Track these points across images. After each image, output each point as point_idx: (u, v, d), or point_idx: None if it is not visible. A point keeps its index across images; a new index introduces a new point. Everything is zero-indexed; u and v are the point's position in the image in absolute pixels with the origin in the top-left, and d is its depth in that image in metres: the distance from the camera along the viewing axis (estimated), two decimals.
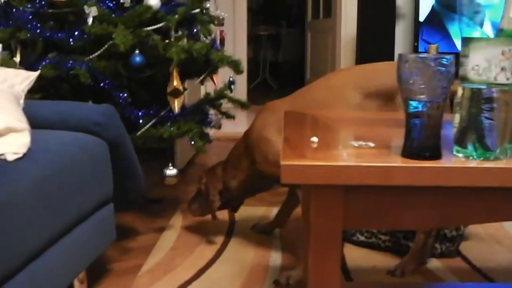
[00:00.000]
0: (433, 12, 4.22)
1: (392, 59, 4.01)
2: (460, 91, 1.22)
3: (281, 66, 9.74)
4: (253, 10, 8.98)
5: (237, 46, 6.24)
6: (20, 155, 1.57)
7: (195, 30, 2.63)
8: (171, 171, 2.45)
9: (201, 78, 2.70)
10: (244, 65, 3.57)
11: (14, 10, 2.30)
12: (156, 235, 2.66)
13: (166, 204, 3.08)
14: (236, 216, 2.89)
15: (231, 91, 2.74)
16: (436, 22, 4.24)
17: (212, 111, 2.80)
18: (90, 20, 2.20)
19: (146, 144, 2.42)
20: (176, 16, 2.43)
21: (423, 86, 1.16)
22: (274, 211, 2.93)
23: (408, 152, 1.20)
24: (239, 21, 6.32)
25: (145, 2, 2.32)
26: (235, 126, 4.18)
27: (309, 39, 6.83)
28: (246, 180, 2.41)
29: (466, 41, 1.23)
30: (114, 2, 2.37)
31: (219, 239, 2.60)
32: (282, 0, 9.84)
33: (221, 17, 2.74)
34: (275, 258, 2.41)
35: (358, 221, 1.22)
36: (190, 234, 2.67)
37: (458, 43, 4.24)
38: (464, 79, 1.23)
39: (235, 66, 2.52)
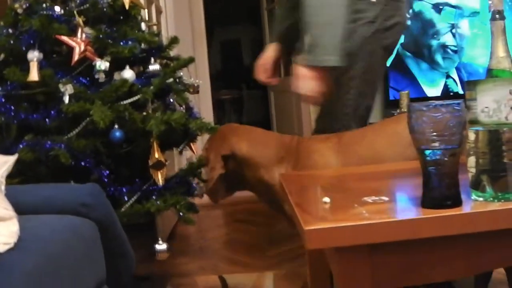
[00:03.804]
0: (397, 57, 4.27)
1: None
2: (472, 135, 1.20)
3: None
4: (212, 75, 9.03)
5: (203, 112, 6.20)
6: (12, 245, 1.47)
7: (170, 100, 2.59)
8: (161, 246, 2.35)
9: (180, 147, 2.65)
10: None
11: None
12: None
13: (155, 281, 2.97)
14: (230, 285, 2.79)
15: None
16: (402, 67, 4.29)
17: (195, 180, 2.73)
18: (66, 99, 2.14)
19: (131, 220, 2.33)
20: (152, 87, 2.38)
21: (438, 134, 1.12)
22: (267, 277, 2.85)
23: (429, 202, 1.16)
24: (203, 87, 6.29)
25: (120, 76, 2.27)
26: None
27: (272, 98, 6.84)
28: (258, 162, 2.18)
29: (471, 84, 1.21)
30: (88, 78, 2.31)
31: None
32: (240, 64, 9.95)
33: (195, 84, 2.70)
34: None
35: (387, 280, 1.16)
36: None
37: (425, 87, 4.28)
38: (474, 122, 1.20)
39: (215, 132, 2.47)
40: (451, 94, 4.27)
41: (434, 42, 4.25)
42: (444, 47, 4.24)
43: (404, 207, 1.21)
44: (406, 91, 3.76)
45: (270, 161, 2.15)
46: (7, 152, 2.11)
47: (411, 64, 4.30)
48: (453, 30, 4.23)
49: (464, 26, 4.22)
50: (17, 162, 1.96)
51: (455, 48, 4.23)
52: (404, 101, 3.82)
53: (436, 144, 1.13)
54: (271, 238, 3.68)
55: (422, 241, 1.13)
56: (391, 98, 4.27)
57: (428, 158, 1.15)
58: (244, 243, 3.64)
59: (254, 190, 2.28)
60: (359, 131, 2.18)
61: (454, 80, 4.28)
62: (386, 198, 1.27)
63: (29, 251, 1.51)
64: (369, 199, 1.27)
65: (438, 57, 4.25)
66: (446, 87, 4.30)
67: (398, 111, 3.97)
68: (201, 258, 3.36)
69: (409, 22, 4.25)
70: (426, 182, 1.17)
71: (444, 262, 1.18)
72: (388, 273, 1.16)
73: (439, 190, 1.15)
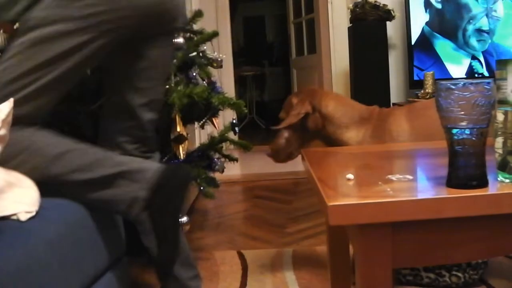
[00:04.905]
0: (423, 36, 4.22)
1: (388, 90, 4.00)
2: (500, 115, 1.17)
3: (267, 105, 9.74)
4: (235, 51, 9.01)
5: (225, 88, 6.18)
6: (33, 214, 1.48)
7: (193, 73, 2.58)
8: (181, 218, 2.35)
9: (202, 122, 2.64)
10: None
11: None
12: None
13: None
14: (248, 260, 2.80)
15: (235, 133, 2.67)
16: (427, 47, 4.24)
17: (216, 155, 2.73)
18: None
19: None
20: (175, 60, 2.37)
21: (466, 113, 1.10)
22: (285, 253, 2.85)
23: (454, 182, 1.14)
24: (225, 62, 6.27)
25: None
26: (237, 168, 4.08)
27: (294, 76, 6.81)
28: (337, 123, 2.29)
29: (502, 63, 1.18)
30: None
31: (234, 286, 2.50)
32: (263, 40, 9.90)
33: (219, 59, 2.68)
34: None
35: (407, 258, 1.15)
36: (205, 284, 2.56)
37: (450, 67, 4.22)
38: (504, 102, 1.17)
39: (238, 108, 2.46)
40: (476, 75, 4.21)
41: (469, 27, 4.18)
42: (479, 31, 4.18)
43: (428, 186, 1.19)
44: (431, 72, 3.72)
45: (351, 121, 2.25)
46: None
47: (437, 44, 4.24)
48: (487, 13, 4.16)
49: (499, 8, 4.15)
50: None
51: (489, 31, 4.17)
52: (429, 82, 3.77)
53: (464, 123, 1.11)
54: (291, 215, 3.69)
55: (445, 221, 1.11)
56: (415, 78, 4.23)
57: (455, 137, 1.13)
58: (263, 219, 3.64)
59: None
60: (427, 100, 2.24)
61: (480, 62, 4.22)
62: (410, 177, 1.25)
63: (49, 219, 1.52)
64: (393, 177, 1.25)
65: (473, 40, 4.18)
66: (471, 68, 4.24)
67: (422, 91, 3.93)
68: (219, 233, 3.37)
69: (439, 6, 4.19)
70: (452, 162, 1.15)
71: (466, 243, 1.16)
72: (409, 252, 1.15)
73: (464, 170, 1.13)
